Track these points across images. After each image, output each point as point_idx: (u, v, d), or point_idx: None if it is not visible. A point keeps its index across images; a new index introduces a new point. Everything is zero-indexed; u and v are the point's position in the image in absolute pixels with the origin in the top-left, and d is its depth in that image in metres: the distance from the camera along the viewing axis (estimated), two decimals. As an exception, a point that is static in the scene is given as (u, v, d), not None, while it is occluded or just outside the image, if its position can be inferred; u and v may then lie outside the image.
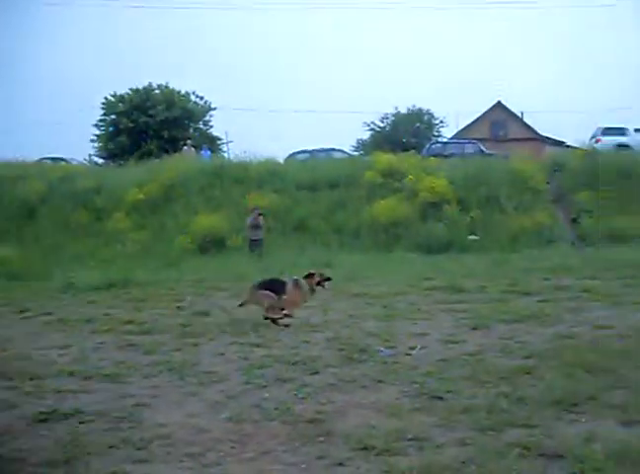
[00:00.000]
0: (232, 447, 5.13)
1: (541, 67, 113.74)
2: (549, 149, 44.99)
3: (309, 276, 10.76)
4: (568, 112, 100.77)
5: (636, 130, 35.65)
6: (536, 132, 54.69)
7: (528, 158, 30.56)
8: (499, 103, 57.21)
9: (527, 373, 6.76)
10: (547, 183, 28.11)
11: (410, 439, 5.08)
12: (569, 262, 17.42)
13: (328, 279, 10.88)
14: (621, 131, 35.39)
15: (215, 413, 5.98)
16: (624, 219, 23.52)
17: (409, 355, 7.97)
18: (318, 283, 10.79)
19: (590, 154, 30.93)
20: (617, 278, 14.12)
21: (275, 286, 10.55)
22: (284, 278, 10.88)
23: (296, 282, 10.65)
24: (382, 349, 8.23)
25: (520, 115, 58.38)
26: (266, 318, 10.35)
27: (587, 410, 5.62)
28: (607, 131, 35.41)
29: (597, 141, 34.23)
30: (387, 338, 8.88)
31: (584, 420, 5.41)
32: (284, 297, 10.44)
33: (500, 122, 55.38)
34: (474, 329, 9.40)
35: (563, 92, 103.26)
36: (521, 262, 17.90)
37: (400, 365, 7.40)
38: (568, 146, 40.71)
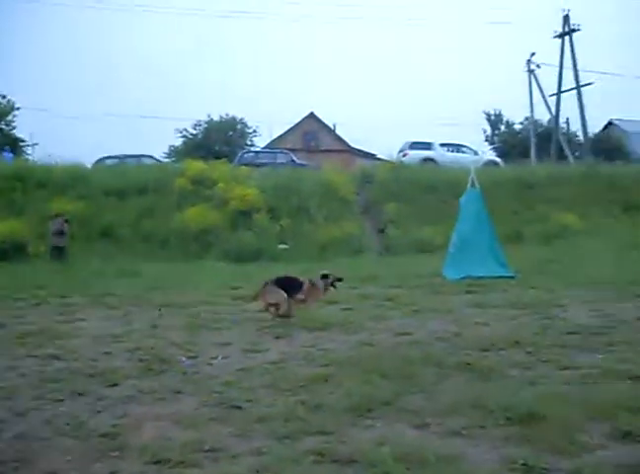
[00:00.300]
0: (15, 469, 4.78)
1: (354, 81, 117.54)
2: (360, 161, 46.31)
3: (325, 276, 11.21)
4: (379, 125, 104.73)
5: (441, 145, 37.41)
6: (348, 144, 56.21)
7: (339, 169, 31.33)
8: (312, 114, 58.30)
9: (327, 381, 6.80)
10: (356, 194, 28.96)
11: (206, 451, 4.97)
12: (375, 271, 17.95)
13: (340, 280, 11.41)
14: (428, 146, 37.01)
15: (-1, 432, 5.59)
16: (429, 230, 24.56)
17: (210, 364, 7.85)
18: (331, 284, 11.25)
19: (397, 167, 32.14)
20: (418, 287, 14.69)
21: (291, 284, 10.88)
22: (301, 278, 11.14)
23: (313, 282, 11.05)
24: (184, 359, 8.06)
25: (332, 126, 59.77)
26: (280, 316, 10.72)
27: (382, 415, 5.72)
28: (415, 146, 36.90)
29: (404, 155, 35.57)
30: (190, 348, 8.71)
31: (378, 425, 5.50)
32: (301, 296, 10.83)
33: (312, 133, 56.50)
34: (278, 338, 9.42)
35: (375, 105, 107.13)
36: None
37: (201, 376, 7.26)
38: (378, 159, 42.11)
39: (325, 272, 11.40)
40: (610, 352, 8.10)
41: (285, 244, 23.76)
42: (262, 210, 25.49)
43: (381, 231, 26.05)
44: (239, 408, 5.97)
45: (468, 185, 17.89)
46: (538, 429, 5.20)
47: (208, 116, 57.68)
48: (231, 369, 7.53)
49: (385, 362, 7.43)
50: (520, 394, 6.12)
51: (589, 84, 48.32)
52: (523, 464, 4.57)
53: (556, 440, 4.95)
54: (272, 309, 10.84)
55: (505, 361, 7.61)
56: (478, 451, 4.89)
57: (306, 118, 58.02)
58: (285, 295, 10.69)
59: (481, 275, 15.54)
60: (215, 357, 8.17)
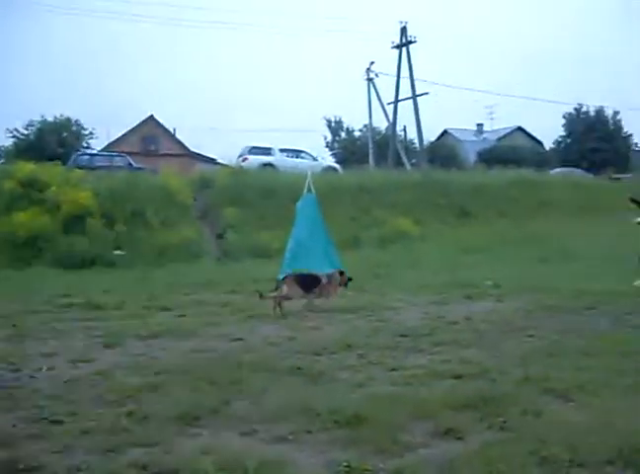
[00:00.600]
0: None
1: (195, 85, 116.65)
2: (200, 165, 45.92)
3: (341, 272, 12.90)
4: (220, 130, 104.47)
5: (281, 151, 37.59)
6: (188, 148, 55.63)
7: (177, 173, 30.90)
8: (151, 117, 57.28)
9: (155, 390, 6.64)
10: (194, 199, 28.61)
11: (20, 470, 4.69)
12: (212, 276, 17.79)
13: (350, 279, 13.02)
14: (267, 151, 37.10)
15: None
16: (267, 235, 24.57)
17: (34, 377, 7.46)
18: (345, 283, 12.82)
19: (237, 172, 32.03)
20: (255, 293, 14.58)
21: (309, 280, 12.28)
22: (317, 273, 12.52)
23: (330, 276, 12.57)
24: (3, 372, 7.64)
25: (172, 130, 58.96)
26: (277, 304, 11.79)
27: (209, 423, 5.64)
28: (254, 150, 36.91)
29: (244, 160, 35.50)
30: (12, 360, 8.23)
31: (205, 433, 5.42)
32: (321, 288, 12.30)
33: (152, 137, 55.54)
34: (108, 347, 9.09)
35: (216, 110, 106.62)
36: (166, 277, 17.92)
37: (22, 390, 6.87)
38: (218, 163, 41.87)
39: (341, 269, 13.03)
40: (437, 352, 8.38)
41: (121, 250, 23.08)
42: (96, 215, 24.61)
43: (220, 236, 25.87)
44: (61, 422, 5.70)
45: (304, 190, 18.00)
46: (363, 430, 5.29)
47: (42, 116, 55.32)
48: (56, 382, 7.20)
49: (216, 369, 7.36)
50: (349, 397, 6.23)
51: (424, 94, 50.15)
52: (347, 466, 4.63)
53: (380, 441, 5.05)
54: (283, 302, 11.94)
55: (336, 365, 7.73)
56: (303, 456, 4.92)
57: (146, 120, 56.94)
58: (301, 291, 12.14)
59: (317, 279, 15.66)
60: (40, 369, 7.79)
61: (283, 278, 12.14)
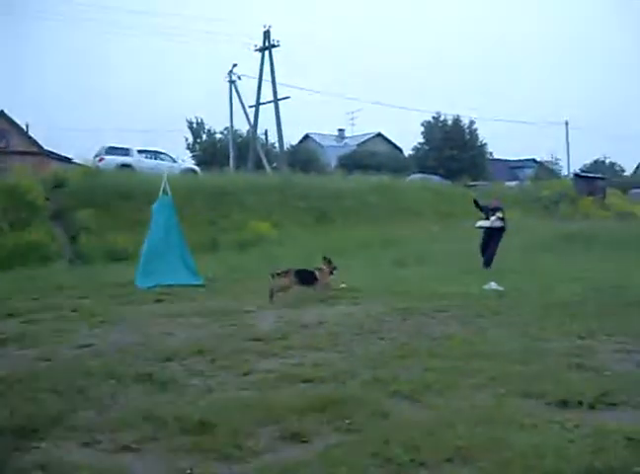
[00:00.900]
0: None
1: (50, 80, 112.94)
2: (54, 165, 44.40)
3: (329, 261, 13.86)
4: (75, 128, 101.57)
5: (139, 152, 36.80)
6: (41, 146, 53.68)
7: (28, 172, 29.72)
8: (2, 112, 54.91)
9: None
10: (47, 199, 27.54)
11: None
12: (64, 280, 17.15)
13: (335, 268, 13.94)
14: (125, 152, 36.23)
15: None
16: (124, 237, 24.01)
17: None
18: (331, 272, 13.83)
19: (93, 172, 31.14)
20: (108, 297, 14.23)
21: (307, 275, 13.33)
22: (311, 269, 13.57)
23: (321, 270, 13.60)
24: None
25: (24, 126, 56.75)
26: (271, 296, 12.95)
27: (49, 435, 5.42)
28: (111, 151, 35.96)
29: (100, 160, 34.53)
30: None
31: (43, 445, 5.20)
32: (320, 282, 13.42)
33: (1, 133, 53.19)
34: None
35: (71, 108, 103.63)
36: (13, 281, 17.16)
37: None
38: (73, 163, 40.60)
39: (327, 257, 14.00)
40: (290, 356, 8.40)
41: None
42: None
43: (74, 238, 25.00)
44: None
45: (160, 192, 17.69)
46: (209, 437, 5.25)
47: None
48: None
49: (61, 377, 7.11)
50: (196, 403, 6.15)
51: (286, 98, 50.53)
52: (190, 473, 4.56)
53: (224, 447, 5.04)
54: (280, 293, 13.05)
55: (186, 371, 7.62)
56: (145, 464, 4.85)
57: (-4, 116, 54.45)
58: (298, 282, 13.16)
59: (171, 283, 15.42)
60: None
61: (285, 272, 13.18)
